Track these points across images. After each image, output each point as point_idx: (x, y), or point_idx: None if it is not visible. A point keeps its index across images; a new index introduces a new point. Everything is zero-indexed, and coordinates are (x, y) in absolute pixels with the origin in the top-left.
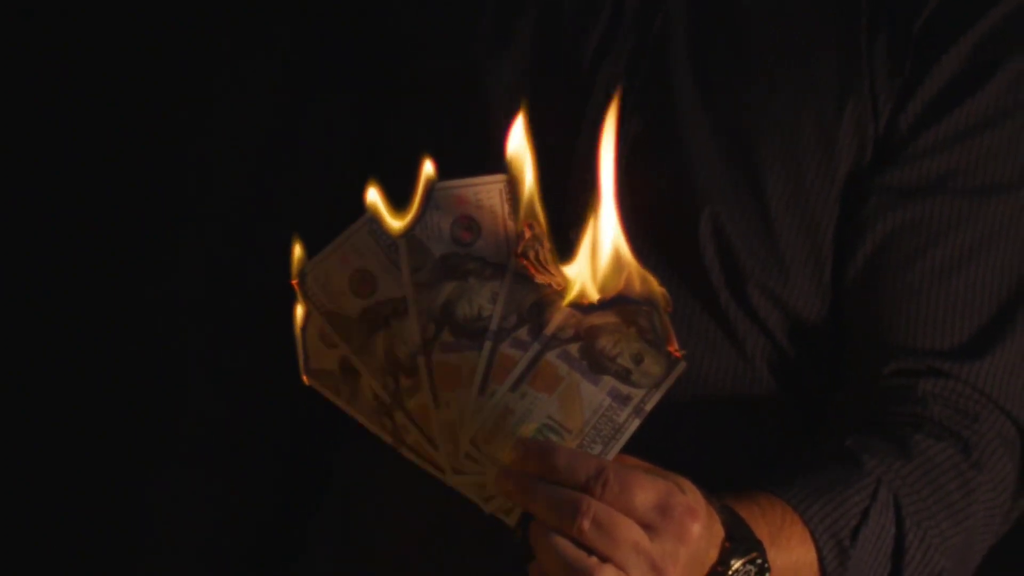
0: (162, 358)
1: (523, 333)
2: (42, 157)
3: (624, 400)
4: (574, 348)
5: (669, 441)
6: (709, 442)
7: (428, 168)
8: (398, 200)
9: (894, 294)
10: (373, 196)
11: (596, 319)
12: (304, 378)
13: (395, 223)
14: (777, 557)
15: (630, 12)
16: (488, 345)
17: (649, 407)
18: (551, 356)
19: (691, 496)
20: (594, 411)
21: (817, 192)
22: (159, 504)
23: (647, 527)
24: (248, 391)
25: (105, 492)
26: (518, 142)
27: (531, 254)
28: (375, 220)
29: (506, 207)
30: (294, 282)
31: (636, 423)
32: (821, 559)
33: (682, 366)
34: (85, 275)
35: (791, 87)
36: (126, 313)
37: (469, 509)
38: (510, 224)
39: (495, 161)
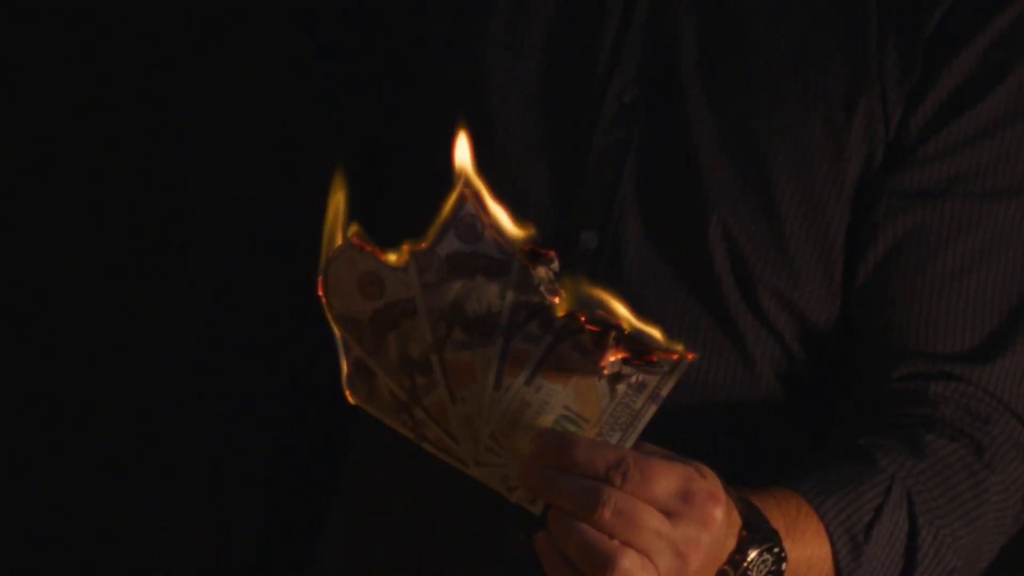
0: (167, 365)
1: (534, 327)
2: (46, 160)
3: (640, 387)
4: (586, 338)
5: (668, 447)
6: (709, 448)
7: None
8: (408, 205)
9: (905, 297)
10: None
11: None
12: (347, 394)
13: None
14: (792, 549)
15: (639, 19)
16: (500, 341)
17: (665, 392)
18: (564, 347)
19: (711, 482)
20: (610, 399)
21: (827, 196)
22: (164, 514)
23: (669, 514)
24: (254, 400)
25: (109, 502)
26: (463, 155)
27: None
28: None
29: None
30: (320, 278)
31: (653, 409)
32: (835, 553)
33: (693, 354)
34: (86, 281)
35: (799, 92)
36: (131, 321)
37: (476, 514)
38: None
39: (502, 167)
